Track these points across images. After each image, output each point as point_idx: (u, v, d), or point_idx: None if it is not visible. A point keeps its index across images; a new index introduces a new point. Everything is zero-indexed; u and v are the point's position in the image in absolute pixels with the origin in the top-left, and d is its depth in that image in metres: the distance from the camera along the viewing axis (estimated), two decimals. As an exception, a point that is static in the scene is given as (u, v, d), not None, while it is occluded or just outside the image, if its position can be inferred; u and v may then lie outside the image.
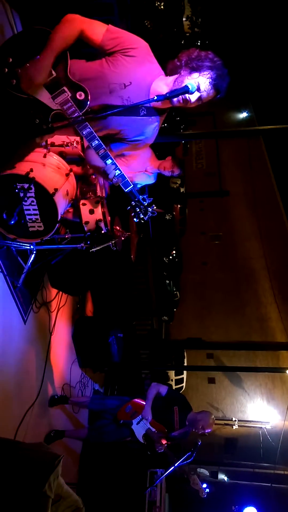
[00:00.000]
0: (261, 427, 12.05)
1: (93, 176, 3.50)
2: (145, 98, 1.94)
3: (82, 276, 4.65)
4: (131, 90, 1.94)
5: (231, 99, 18.99)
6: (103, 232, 3.37)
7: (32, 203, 2.93)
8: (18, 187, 2.80)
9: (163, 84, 1.99)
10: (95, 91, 1.94)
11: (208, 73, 1.90)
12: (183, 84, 1.84)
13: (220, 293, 15.34)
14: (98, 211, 3.35)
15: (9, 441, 1.81)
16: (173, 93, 1.79)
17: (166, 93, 1.80)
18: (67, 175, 3.15)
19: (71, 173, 3.25)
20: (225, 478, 11.26)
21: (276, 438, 11.27)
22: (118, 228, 3.58)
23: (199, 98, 1.92)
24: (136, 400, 4.01)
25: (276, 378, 12.80)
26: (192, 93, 1.80)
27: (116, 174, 1.93)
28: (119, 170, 1.93)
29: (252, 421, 12.37)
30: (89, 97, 1.90)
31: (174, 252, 14.09)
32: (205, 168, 18.96)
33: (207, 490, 3.46)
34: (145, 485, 5.05)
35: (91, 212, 3.34)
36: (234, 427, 12.08)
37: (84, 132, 1.89)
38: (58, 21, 1.89)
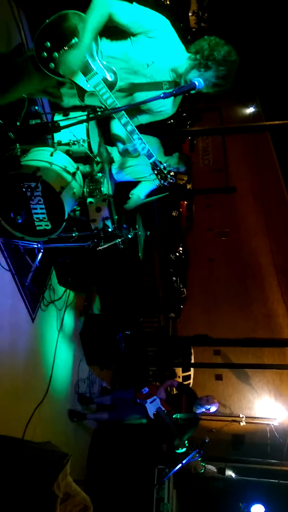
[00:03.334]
0: (268, 424, 12.01)
1: (100, 175, 3.50)
2: (167, 75, 2.13)
3: (89, 274, 4.66)
4: (154, 68, 2.10)
5: (238, 94, 18.84)
6: (110, 230, 3.37)
7: (39, 202, 2.93)
8: (25, 186, 2.80)
9: (181, 60, 2.11)
10: (120, 72, 2.10)
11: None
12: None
13: (227, 289, 15.29)
14: (105, 209, 3.35)
15: (17, 440, 1.82)
16: (180, 90, 1.79)
17: (173, 90, 1.80)
18: (74, 173, 3.15)
19: (78, 172, 3.25)
20: (233, 475, 11.26)
21: (284, 435, 11.23)
22: (125, 226, 3.57)
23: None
24: (150, 385, 4.73)
25: (284, 374, 12.75)
26: (199, 89, 1.79)
27: (142, 147, 2.16)
28: (144, 143, 2.14)
29: (260, 417, 12.33)
30: (117, 78, 2.05)
31: (180, 249, 14.07)
32: (211, 164, 18.85)
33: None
34: (153, 482, 5.08)
35: (98, 210, 3.34)
36: (242, 423, 12.04)
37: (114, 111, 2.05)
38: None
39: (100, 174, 3.43)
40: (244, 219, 16.77)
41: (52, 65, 2.02)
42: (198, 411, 4.33)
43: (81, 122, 2.09)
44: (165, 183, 2.24)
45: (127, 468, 5.14)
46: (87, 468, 5.07)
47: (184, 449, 3.84)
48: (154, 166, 2.19)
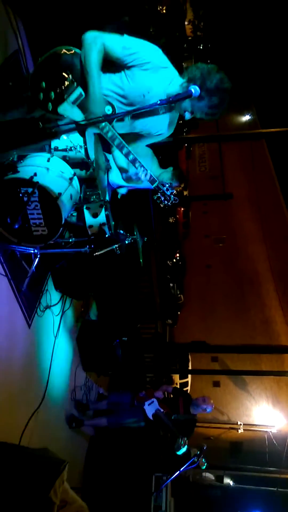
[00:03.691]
0: (266, 431, 11.94)
1: (97, 181, 3.50)
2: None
3: (86, 280, 4.65)
4: (150, 97, 2.11)
5: (234, 102, 19.00)
6: (106, 236, 3.37)
7: (36, 207, 2.94)
8: (22, 191, 2.81)
9: (175, 86, 2.12)
10: (117, 103, 2.13)
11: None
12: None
13: (224, 296, 15.28)
14: (102, 215, 3.35)
15: (14, 446, 1.80)
16: (177, 97, 1.80)
17: (170, 98, 1.81)
18: (71, 179, 3.16)
19: (75, 177, 3.26)
20: (231, 482, 11.16)
21: (282, 442, 11.15)
22: (122, 232, 3.58)
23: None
24: (149, 390, 4.85)
25: (282, 381, 12.70)
26: (195, 96, 1.80)
27: (145, 173, 2.18)
28: (146, 169, 2.17)
29: (258, 425, 12.26)
30: (115, 111, 2.07)
31: (177, 255, 14.07)
32: (208, 171, 18.95)
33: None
34: (151, 489, 5.03)
35: (95, 215, 3.35)
36: (239, 431, 11.96)
37: (115, 143, 2.09)
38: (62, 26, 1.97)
39: (97, 180, 3.44)
40: (241, 225, 16.82)
41: (50, 105, 2.04)
42: (195, 411, 4.46)
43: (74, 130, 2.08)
44: (169, 203, 2.25)
45: (124, 476, 5.09)
46: (84, 475, 5.02)
47: (184, 449, 3.82)
48: (157, 189, 2.21)
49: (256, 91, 17.90)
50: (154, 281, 8.42)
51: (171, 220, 14.49)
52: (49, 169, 2.98)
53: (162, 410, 4.38)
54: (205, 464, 3.62)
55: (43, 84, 2.01)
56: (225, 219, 17.01)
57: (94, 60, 1.95)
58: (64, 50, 2.06)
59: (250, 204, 17.00)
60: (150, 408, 4.44)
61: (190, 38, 14.19)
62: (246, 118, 19.96)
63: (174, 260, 13.89)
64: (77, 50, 2.08)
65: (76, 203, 3.34)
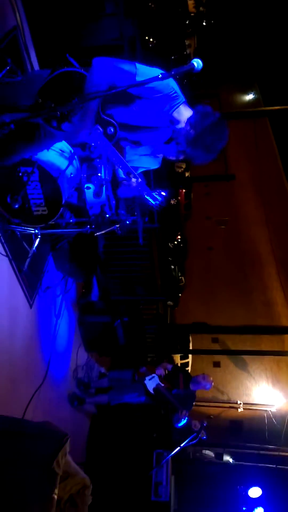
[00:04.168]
0: (266, 410, 12.12)
1: (98, 160, 3.47)
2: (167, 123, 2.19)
3: (87, 261, 4.66)
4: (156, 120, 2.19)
5: (237, 81, 18.63)
6: (107, 216, 3.35)
7: (36, 187, 2.93)
8: (22, 171, 2.79)
9: (180, 115, 2.17)
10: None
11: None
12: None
13: (226, 278, 15.28)
14: (103, 194, 3.33)
15: (17, 419, 1.84)
16: (179, 70, 1.77)
17: (172, 70, 1.77)
18: (71, 158, 3.13)
19: (76, 157, 3.22)
20: (230, 460, 11.39)
21: (281, 421, 11.33)
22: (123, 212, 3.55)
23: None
24: (148, 366, 4.90)
25: (281, 361, 12.83)
26: (198, 71, 1.76)
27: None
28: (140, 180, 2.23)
29: (257, 404, 12.43)
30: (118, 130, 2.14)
31: (179, 237, 14.02)
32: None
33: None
34: (152, 465, 5.14)
35: (96, 195, 3.32)
36: (239, 410, 12.15)
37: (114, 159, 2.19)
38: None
39: (98, 159, 3.40)
40: (243, 207, 16.70)
41: (55, 122, 2.13)
42: (195, 388, 4.56)
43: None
44: (157, 205, 2.31)
45: (126, 452, 5.21)
46: (86, 451, 5.14)
47: (184, 422, 3.95)
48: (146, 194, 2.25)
49: (260, 70, 17.52)
50: (155, 263, 8.41)
51: (172, 202, 14.38)
52: (49, 148, 2.95)
53: (162, 385, 4.48)
54: (205, 436, 3.73)
55: (49, 102, 2.08)
56: (227, 201, 16.87)
57: (101, 88, 1.96)
58: (73, 72, 2.12)
59: (253, 186, 16.84)
60: (151, 383, 4.54)
61: (192, 14, 13.82)
62: (249, 97, 19.59)
63: (176, 242, 13.84)
64: (85, 73, 2.11)
65: (76, 183, 3.31)
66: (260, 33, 15.15)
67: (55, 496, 1.54)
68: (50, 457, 1.54)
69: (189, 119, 2.08)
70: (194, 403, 4.54)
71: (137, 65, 2.00)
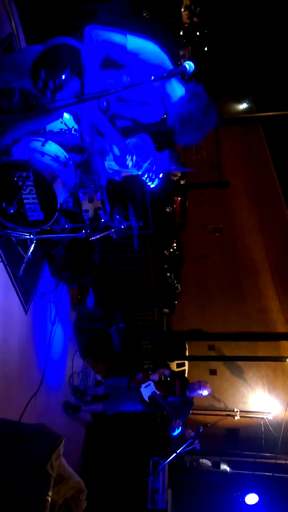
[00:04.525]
0: (262, 418, 12.07)
1: (92, 165, 3.49)
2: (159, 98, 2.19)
3: (83, 267, 4.66)
4: (147, 93, 2.18)
5: (231, 90, 18.85)
6: (102, 220, 3.37)
7: (31, 192, 2.93)
8: (17, 175, 2.79)
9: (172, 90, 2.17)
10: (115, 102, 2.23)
11: None
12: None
13: (221, 285, 15.31)
14: (97, 199, 3.34)
15: (11, 421, 1.83)
16: (171, 72, 1.79)
17: (164, 73, 1.79)
18: (66, 163, 3.15)
19: (70, 162, 3.24)
20: (227, 468, 11.31)
21: (278, 428, 11.29)
22: (117, 217, 3.57)
23: None
24: (144, 373, 4.80)
25: (277, 369, 12.82)
26: (189, 73, 1.79)
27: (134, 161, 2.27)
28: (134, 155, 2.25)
29: (254, 411, 12.39)
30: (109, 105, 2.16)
31: (174, 244, 14.05)
32: (205, 159, 18.85)
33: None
34: (148, 473, 5.09)
35: (91, 200, 3.34)
36: (236, 417, 12.09)
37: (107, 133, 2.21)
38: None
39: (92, 165, 3.42)
40: (238, 215, 16.80)
41: (49, 93, 2.09)
42: (191, 395, 4.47)
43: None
44: (153, 185, 2.32)
45: (122, 460, 5.16)
46: (82, 460, 5.08)
47: (179, 431, 3.89)
48: (144, 172, 2.28)
49: (254, 79, 17.75)
50: (151, 271, 8.42)
51: (168, 210, 14.42)
52: (43, 153, 2.97)
53: (158, 393, 4.41)
54: (198, 446, 3.69)
55: (43, 73, 2.06)
56: (222, 208, 16.97)
57: (93, 55, 2.00)
58: (65, 43, 2.10)
59: (247, 193, 16.96)
60: (147, 391, 4.46)
61: (186, 25, 14.02)
62: (243, 106, 19.83)
63: (171, 250, 13.86)
64: (78, 43, 2.11)
65: (71, 188, 3.33)
66: (253, 42, 15.38)
67: (49, 498, 1.52)
68: (44, 458, 1.53)
69: (181, 98, 2.06)
70: (191, 411, 4.49)
71: (128, 36, 2.03)
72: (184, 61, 1.74)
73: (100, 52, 2.01)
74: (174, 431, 3.92)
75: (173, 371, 5.02)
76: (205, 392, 4.46)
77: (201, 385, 4.48)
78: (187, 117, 2.00)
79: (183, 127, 2.04)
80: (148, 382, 4.53)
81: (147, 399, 4.43)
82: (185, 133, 2.05)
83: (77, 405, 4.88)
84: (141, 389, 4.49)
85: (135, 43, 2.03)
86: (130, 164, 2.25)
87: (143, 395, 4.46)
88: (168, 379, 4.84)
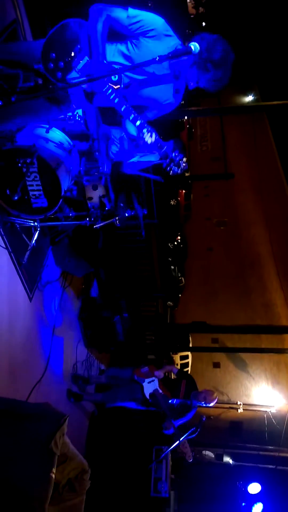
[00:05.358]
0: (266, 411, 12.10)
1: (97, 153, 3.48)
2: (167, 70, 2.20)
3: (87, 256, 4.66)
4: (155, 65, 2.12)
5: (237, 83, 18.68)
6: (106, 208, 3.37)
7: (35, 179, 2.93)
8: (21, 161, 2.79)
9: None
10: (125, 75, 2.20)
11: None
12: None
13: (225, 278, 15.29)
14: (102, 187, 3.34)
15: (15, 400, 1.85)
16: (176, 53, 1.79)
17: (168, 53, 1.79)
18: (70, 150, 3.14)
19: (74, 149, 3.24)
20: (230, 461, 11.37)
21: (281, 421, 11.31)
22: (122, 204, 3.56)
23: None
24: (151, 366, 4.60)
25: (281, 362, 12.82)
26: (195, 54, 1.79)
27: (154, 138, 2.21)
28: (156, 135, 2.21)
29: (257, 404, 12.42)
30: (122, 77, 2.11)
31: (179, 238, 14.04)
32: (210, 151, 18.74)
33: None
34: (151, 462, 5.14)
35: (95, 188, 3.34)
36: (239, 410, 12.13)
37: (122, 109, 2.15)
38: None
39: (97, 153, 3.42)
40: (243, 208, 16.73)
41: (60, 74, 2.12)
42: (195, 403, 4.25)
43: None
44: (179, 171, 2.30)
45: (125, 449, 5.20)
46: (86, 448, 5.12)
47: (171, 432, 3.86)
48: (165, 156, 2.26)
49: (260, 71, 17.58)
50: (155, 263, 8.43)
51: (172, 203, 14.40)
52: (48, 140, 2.96)
53: (161, 391, 4.28)
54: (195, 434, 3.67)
55: (53, 54, 2.08)
56: (226, 201, 16.90)
57: (99, 30, 2.05)
58: (72, 22, 2.13)
59: (252, 186, 16.87)
60: (149, 387, 4.31)
61: (192, 15, 13.88)
62: (249, 98, 19.68)
63: (175, 243, 13.85)
64: (85, 22, 2.17)
65: (75, 176, 3.32)
66: (260, 34, 15.22)
67: (53, 475, 1.54)
68: (48, 436, 1.55)
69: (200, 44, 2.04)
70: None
71: (130, 9, 2.10)
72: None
73: (105, 26, 2.07)
74: (167, 431, 3.91)
75: (181, 371, 4.83)
76: (210, 404, 4.21)
77: (206, 398, 4.17)
78: (209, 56, 2.03)
79: (209, 67, 2.06)
80: (152, 378, 4.37)
81: (148, 396, 4.29)
82: (214, 71, 2.08)
83: (79, 393, 4.88)
84: (143, 384, 4.34)
85: (136, 11, 2.12)
86: (149, 140, 2.21)
87: (145, 391, 4.31)
88: (174, 377, 4.72)
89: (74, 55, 2.10)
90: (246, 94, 19.60)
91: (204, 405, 4.18)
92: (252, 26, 15.35)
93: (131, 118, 2.18)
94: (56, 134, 3.09)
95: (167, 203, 14.21)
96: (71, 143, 3.20)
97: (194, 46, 1.78)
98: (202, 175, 15.89)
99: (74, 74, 2.11)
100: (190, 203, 15.60)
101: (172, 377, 5.03)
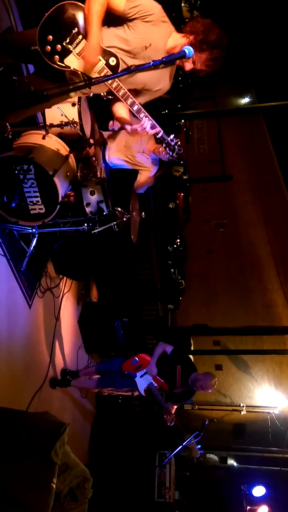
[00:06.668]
0: (269, 412, 12.05)
1: (93, 159, 3.49)
2: (163, 55, 2.17)
3: (86, 261, 4.66)
4: (151, 50, 2.20)
5: (232, 84, 18.74)
6: (104, 213, 3.37)
7: (33, 185, 2.93)
8: (18, 168, 2.79)
9: (175, 40, 2.24)
10: (121, 56, 2.20)
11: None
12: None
13: (226, 281, 15.28)
14: (99, 192, 3.34)
15: (14, 410, 1.84)
16: (170, 57, 1.80)
17: (163, 58, 1.81)
18: (67, 156, 3.15)
19: (71, 155, 3.24)
20: (234, 463, 11.32)
21: (285, 423, 11.26)
22: (120, 209, 3.56)
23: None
24: (142, 354, 4.13)
25: (283, 364, 12.79)
26: (189, 57, 1.80)
27: (150, 123, 2.25)
28: (151, 119, 2.24)
29: (260, 406, 12.37)
30: (119, 62, 2.15)
31: (178, 240, 14.04)
32: (207, 153, 18.78)
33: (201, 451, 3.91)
34: (155, 466, 5.11)
35: (92, 193, 3.34)
36: (242, 412, 12.08)
37: (120, 93, 2.18)
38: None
39: (94, 158, 3.42)
40: (242, 210, 16.74)
41: (57, 57, 2.11)
42: (193, 388, 3.89)
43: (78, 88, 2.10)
44: (174, 155, 2.34)
45: (128, 453, 5.18)
46: (89, 453, 5.10)
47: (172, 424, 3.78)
48: (162, 139, 2.30)
49: (255, 72, 17.64)
50: (154, 266, 8.41)
51: (171, 206, 14.41)
52: (44, 146, 2.97)
53: (156, 385, 3.90)
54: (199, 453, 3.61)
55: (50, 37, 2.08)
56: (225, 203, 16.92)
57: (96, 11, 2.04)
58: (68, 4, 2.12)
59: (250, 188, 16.90)
60: (142, 381, 3.92)
61: (187, 19, 13.92)
62: (245, 100, 19.74)
63: (175, 246, 13.85)
64: (82, 4, 2.16)
65: (72, 181, 3.32)
66: (255, 35, 15.28)
67: (54, 486, 1.53)
68: (48, 446, 1.53)
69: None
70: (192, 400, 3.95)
71: None
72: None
73: (102, 8, 2.07)
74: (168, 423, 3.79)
75: (175, 349, 4.08)
76: (209, 390, 3.84)
77: (203, 387, 3.79)
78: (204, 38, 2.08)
79: (210, 47, 2.10)
80: (144, 371, 3.94)
81: (143, 392, 3.92)
82: (214, 52, 2.13)
83: (66, 379, 4.41)
84: (136, 379, 3.94)
85: None
86: (148, 126, 2.25)
87: (138, 387, 3.93)
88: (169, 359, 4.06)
89: (71, 38, 2.09)
90: (242, 95, 19.68)
91: (204, 386, 3.81)
92: (247, 29, 15.41)
93: (128, 102, 2.21)
94: (52, 140, 3.10)
95: (166, 206, 14.23)
96: (68, 149, 3.21)
97: (188, 50, 1.79)
98: (200, 178, 15.92)
99: (72, 57, 2.11)
100: (188, 206, 15.62)
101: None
